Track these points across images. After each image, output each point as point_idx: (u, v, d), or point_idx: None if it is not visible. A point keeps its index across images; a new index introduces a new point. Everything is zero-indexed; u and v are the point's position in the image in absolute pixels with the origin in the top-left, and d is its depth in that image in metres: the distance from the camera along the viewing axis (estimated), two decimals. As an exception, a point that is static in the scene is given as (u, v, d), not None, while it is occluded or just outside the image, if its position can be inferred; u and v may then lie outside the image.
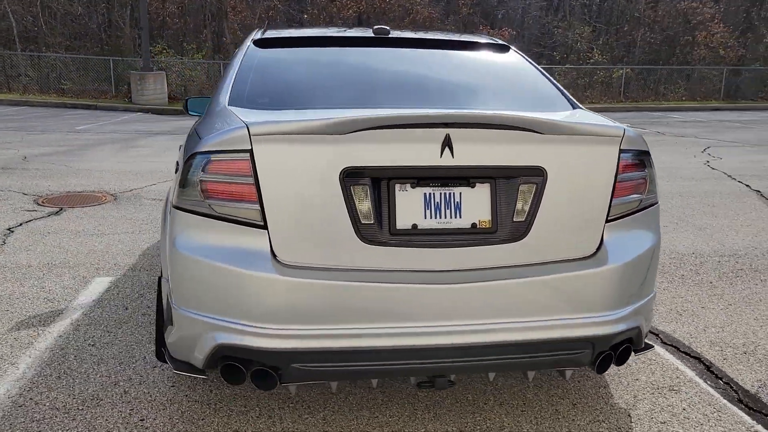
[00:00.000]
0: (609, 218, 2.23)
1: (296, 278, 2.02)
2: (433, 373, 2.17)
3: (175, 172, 2.39)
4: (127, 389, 2.76)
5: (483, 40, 3.29)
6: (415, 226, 2.10)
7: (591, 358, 2.21)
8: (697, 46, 24.90)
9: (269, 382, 2.11)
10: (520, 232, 2.15)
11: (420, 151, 2.06)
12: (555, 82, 2.94)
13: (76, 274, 4.19)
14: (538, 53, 24.98)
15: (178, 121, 15.21)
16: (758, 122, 16.62)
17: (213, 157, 2.07)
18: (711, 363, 3.08)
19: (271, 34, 3.17)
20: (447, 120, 2.05)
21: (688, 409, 2.66)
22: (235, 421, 2.53)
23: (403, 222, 2.09)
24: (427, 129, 2.04)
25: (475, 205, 2.13)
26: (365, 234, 2.07)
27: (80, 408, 2.61)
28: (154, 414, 2.57)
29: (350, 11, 23.77)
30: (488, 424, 2.53)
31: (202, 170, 2.10)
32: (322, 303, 2.03)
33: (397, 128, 2.03)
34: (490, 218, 2.13)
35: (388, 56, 2.99)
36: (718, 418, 2.60)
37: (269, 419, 2.55)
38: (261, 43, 3.01)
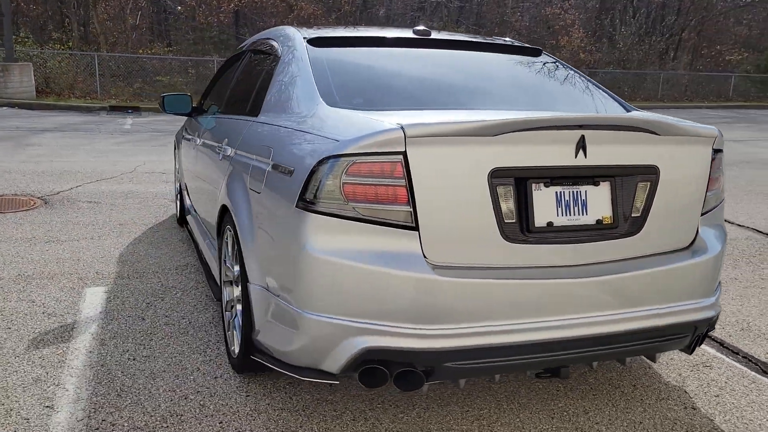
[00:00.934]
0: (703, 212, 2.45)
1: (451, 278, 2.05)
2: (564, 363, 2.27)
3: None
4: (202, 402, 2.63)
5: (516, 43, 3.43)
6: (550, 223, 2.20)
7: (689, 341, 2.42)
8: (561, 50, 26.69)
9: (415, 382, 2.12)
10: (636, 226, 2.31)
11: (556, 151, 2.16)
12: (597, 84, 3.14)
13: (61, 285, 3.86)
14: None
15: (56, 116, 14.19)
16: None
17: (358, 159, 2.04)
18: (722, 340, 3.42)
19: (322, 33, 3.12)
20: (583, 122, 2.16)
21: (729, 381, 2.96)
22: (335, 426, 2.50)
23: (539, 220, 2.18)
24: (565, 131, 2.14)
25: (599, 202, 2.26)
26: (508, 233, 2.14)
27: (164, 425, 2.46)
28: (249, 425, 2.48)
29: (231, 5, 23.15)
30: (570, 409, 2.67)
31: (345, 173, 2.06)
32: (475, 301, 2.07)
33: (540, 130, 2.11)
34: (611, 214, 2.28)
35: (449, 57, 3.05)
36: (757, 387, 2.91)
37: (366, 421, 2.54)
38: (316, 42, 2.96)
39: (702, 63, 30.24)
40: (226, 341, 3.02)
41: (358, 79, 2.73)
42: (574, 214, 2.23)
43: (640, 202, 2.32)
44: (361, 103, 2.51)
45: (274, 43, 3.22)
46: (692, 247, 2.45)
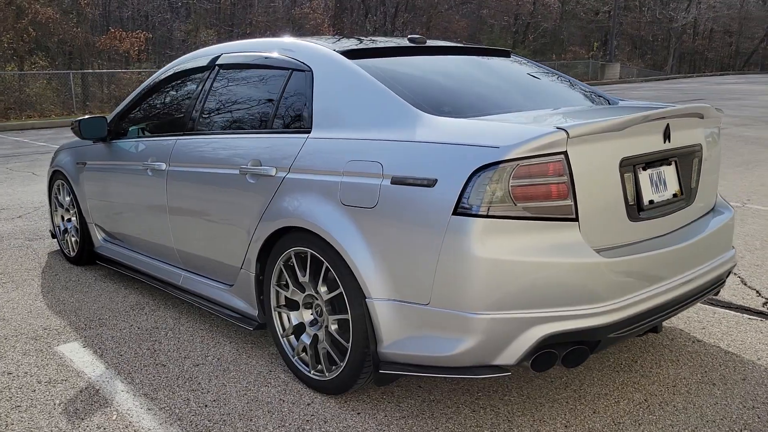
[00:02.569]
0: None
1: (612, 258, 2.33)
2: (670, 317, 2.67)
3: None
4: (325, 430, 2.56)
5: (496, 47, 3.74)
6: (651, 201, 2.57)
7: (723, 284, 2.99)
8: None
9: (582, 357, 2.36)
10: (693, 196, 2.79)
11: (653, 139, 2.55)
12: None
13: (25, 349, 3.31)
14: (171, 56, 24.57)
15: None
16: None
17: (523, 162, 2.21)
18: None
19: (344, 45, 3.11)
20: (672, 114, 2.57)
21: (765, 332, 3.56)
22: (470, 421, 2.61)
23: (646, 200, 2.55)
24: (658, 121, 2.53)
25: (672, 179, 2.70)
26: (630, 213, 2.48)
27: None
28: (394, 438, 2.49)
29: None
30: (647, 377, 3.10)
31: (512, 176, 2.21)
32: (629, 276, 2.38)
33: (647, 122, 2.47)
34: (679, 188, 2.73)
35: (471, 63, 3.26)
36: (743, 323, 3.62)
37: (496, 416, 2.69)
38: (351, 54, 2.97)
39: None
40: (292, 369, 2.94)
41: (424, 88, 2.82)
42: (661, 191, 2.64)
43: (695, 175, 2.81)
44: (450, 111, 2.62)
45: (287, 57, 3.12)
46: (715, 209, 3.01)
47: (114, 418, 2.66)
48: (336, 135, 2.74)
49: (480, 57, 3.44)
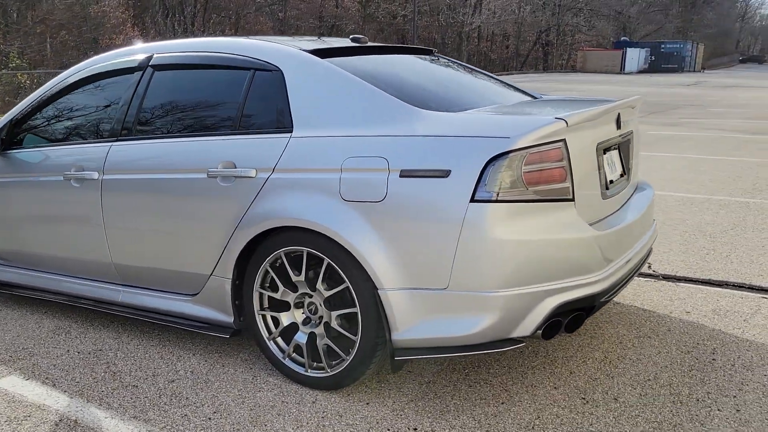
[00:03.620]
0: None
1: (603, 231, 2.66)
2: (626, 285, 3.06)
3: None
4: (349, 422, 2.60)
5: (421, 47, 3.91)
6: (611, 181, 2.94)
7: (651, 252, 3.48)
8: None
9: (580, 322, 2.65)
10: (630, 174, 3.23)
11: (610, 127, 2.92)
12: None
13: (-44, 390, 2.91)
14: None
15: None
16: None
17: (532, 150, 2.44)
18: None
19: (311, 45, 3.12)
20: (626, 105, 2.98)
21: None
22: (472, 395, 2.80)
23: (609, 179, 2.91)
24: (614, 112, 2.91)
25: (617, 161, 3.09)
26: (602, 192, 2.82)
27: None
28: (410, 419, 2.61)
29: None
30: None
31: (524, 163, 2.44)
32: (613, 245, 2.72)
33: (610, 113, 2.84)
34: (622, 169, 3.14)
35: (414, 62, 3.42)
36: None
37: (492, 387, 2.90)
38: (320, 54, 3.00)
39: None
40: (283, 371, 2.94)
41: (401, 86, 2.93)
42: (614, 172, 3.02)
43: (630, 156, 3.24)
44: (435, 107, 2.78)
45: (245, 56, 3.06)
46: (639, 186, 3.49)
47: (116, 445, 2.48)
48: (325, 133, 2.77)
49: (416, 56, 3.63)
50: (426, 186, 2.51)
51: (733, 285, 4.08)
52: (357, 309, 2.68)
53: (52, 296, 3.74)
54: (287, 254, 2.83)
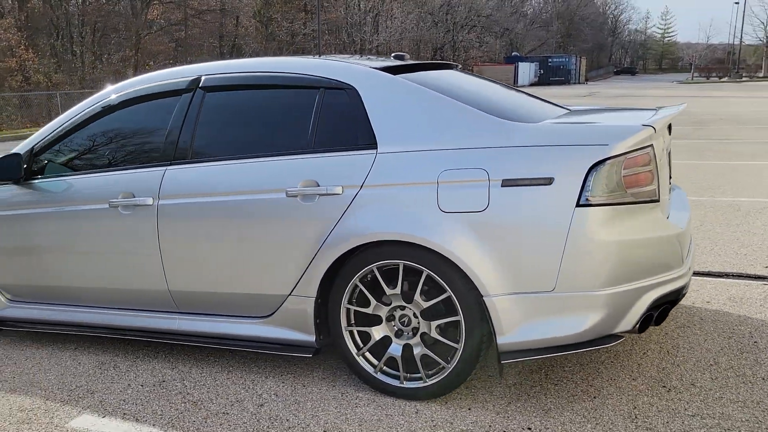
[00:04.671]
0: None
1: (681, 229, 2.87)
2: None
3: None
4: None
5: (447, 62, 4.02)
6: (669, 182, 3.18)
7: None
8: (13, 73, 24.45)
9: (666, 315, 2.84)
10: (671, 178, 3.48)
11: (666, 133, 3.15)
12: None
13: (36, 427, 2.73)
14: None
15: None
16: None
17: (629, 155, 2.62)
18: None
19: (376, 63, 3.17)
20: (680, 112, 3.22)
21: None
22: (562, 392, 2.93)
23: (667, 182, 3.15)
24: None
25: (666, 164, 3.34)
26: (668, 193, 3.05)
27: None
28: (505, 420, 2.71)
29: None
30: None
31: (623, 168, 2.62)
32: (685, 243, 2.95)
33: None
34: (668, 171, 3.39)
35: (457, 76, 3.50)
36: None
37: (576, 386, 3.04)
38: (393, 71, 3.07)
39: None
40: (374, 385, 2.96)
41: (475, 100, 3.03)
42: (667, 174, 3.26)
43: (670, 160, 3.50)
44: (516, 119, 2.90)
45: (310, 75, 3.07)
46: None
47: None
48: (414, 148, 2.83)
49: (451, 71, 3.74)
50: (529, 194, 2.63)
51: (733, 275, 4.45)
52: (460, 317, 2.75)
53: (88, 330, 3.55)
54: (380, 269, 2.86)
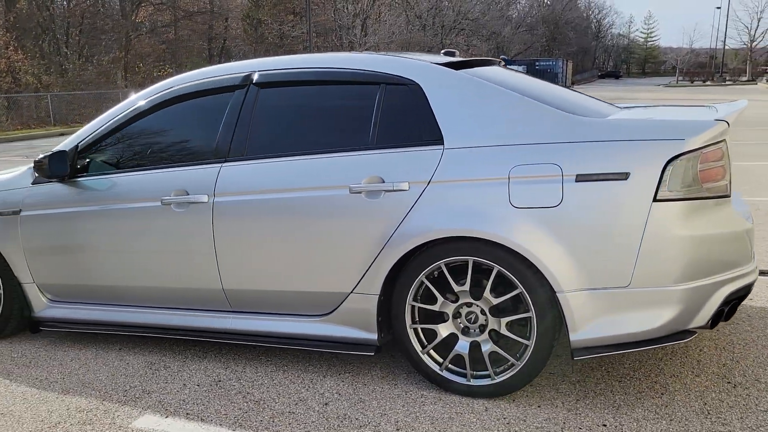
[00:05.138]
0: None
1: (749, 224, 2.86)
2: None
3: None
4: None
5: (490, 58, 3.99)
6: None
7: None
8: (2, 75, 24.14)
9: (734, 311, 2.83)
10: None
11: None
12: None
13: (99, 427, 2.67)
14: None
15: None
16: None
17: (704, 150, 2.61)
18: None
19: (444, 59, 3.16)
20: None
21: None
22: (630, 389, 2.92)
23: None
24: None
25: None
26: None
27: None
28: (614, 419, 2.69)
29: None
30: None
31: (699, 162, 2.61)
32: (752, 238, 2.92)
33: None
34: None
35: (510, 72, 3.46)
36: None
37: (653, 384, 3.03)
38: (457, 66, 3.05)
39: (139, 79, 31.65)
40: (438, 382, 2.93)
41: (538, 95, 3.01)
42: None
43: None
44: (584, 114, 2.88)
45: (369, 70, 3.04)
46: None
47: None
48: (483, 143, 2.80)
49: (495, 66, 3.70)
50: (604, 189, 2.61)
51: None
52: (531, 314, 2.72)
53: (134, 330, 3.49)
54: (448, 265, 2.83)
